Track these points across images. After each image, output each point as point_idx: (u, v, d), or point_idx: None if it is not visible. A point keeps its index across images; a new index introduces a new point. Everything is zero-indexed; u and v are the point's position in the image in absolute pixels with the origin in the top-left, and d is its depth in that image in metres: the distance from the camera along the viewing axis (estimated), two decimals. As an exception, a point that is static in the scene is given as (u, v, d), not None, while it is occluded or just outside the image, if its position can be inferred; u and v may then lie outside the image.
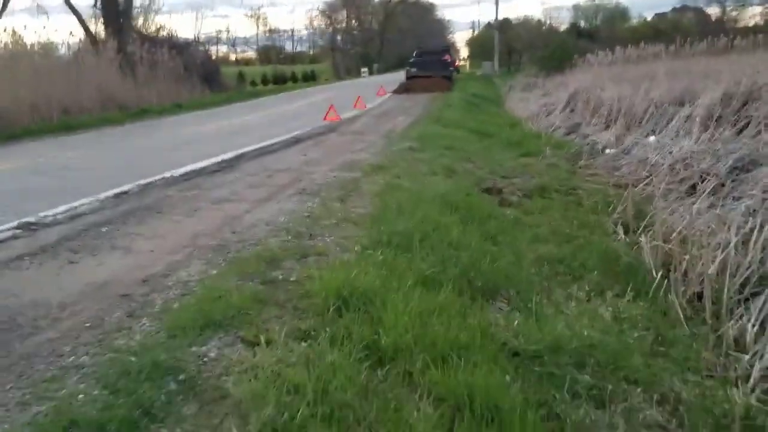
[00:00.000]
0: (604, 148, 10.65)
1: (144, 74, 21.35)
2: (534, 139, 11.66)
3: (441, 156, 8.31)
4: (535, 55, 37.66)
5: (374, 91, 22.53)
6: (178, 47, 24.54)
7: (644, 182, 7.53)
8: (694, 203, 6.28)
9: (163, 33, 27.53)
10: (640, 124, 11.23)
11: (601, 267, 4.36)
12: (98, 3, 24.29)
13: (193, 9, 66.72)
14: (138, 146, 10.10)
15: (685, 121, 9.96)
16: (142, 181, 6.07)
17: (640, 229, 5.51)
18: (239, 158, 7.91)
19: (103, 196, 5.44)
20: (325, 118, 13.02)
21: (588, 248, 4.74)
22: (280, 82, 38.28)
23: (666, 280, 4.18)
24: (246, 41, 71.83)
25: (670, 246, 4.63)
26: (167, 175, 6.47)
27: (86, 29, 24.66)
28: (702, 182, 7.20)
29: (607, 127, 12.59)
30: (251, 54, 70.82)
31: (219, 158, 7.75)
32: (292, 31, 71.42)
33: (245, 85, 33.35)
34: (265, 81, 37.52)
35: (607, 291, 4.02)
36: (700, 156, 7.73)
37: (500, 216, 5.50)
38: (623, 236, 5.33)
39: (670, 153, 8.61)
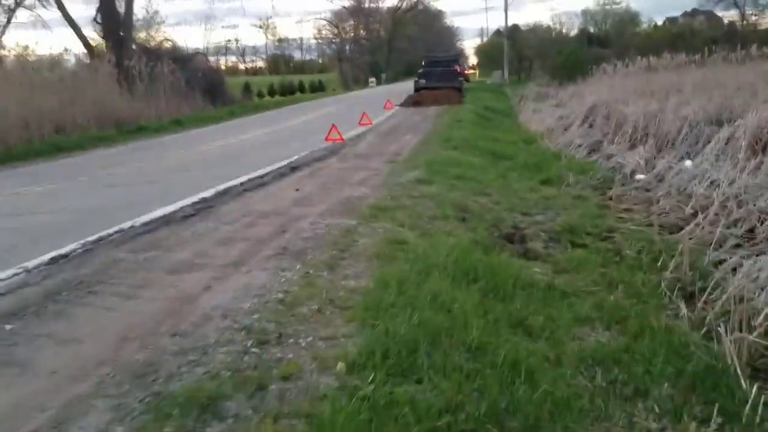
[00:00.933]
0: (633, 172, 9.48)
1: (143, 89, 20.42)
2: (554, 161, 10.51)
3: (452, 189, 7.18)
4: (546, 64, 36.46)
5: (382, 103, 21.47)
6: (180, 60, 23.61)
7: (691, 222, 6.37)
8: (758, 255, 5.16)
9: (167, 45, 26.68)
10: (672, 145, 10.04)
11: (670, 371, 3.22)
12: (98, 16, 23.44)
13: (202, 20, 66.06)
14: (116, 178, 9.05)
15: (726, 144, 8.78)
16: (91, 238, 4.98)
17: (704, 296, 4.38)
18: (222, 195, 6.83)
19: (34, 263, 4.36)
20: (326, 139, 11.95)
21: (648, 337, 3.60)
22: (287, 92, 37.33)
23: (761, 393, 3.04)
24: (255, 51, 71.25)
25: (754, 338, 3.49)
26: (126, 226, 5.40)
27: (85, 42, 23.82)
28: (761, 224, 6.04)
29: (633, 146, 11.41)
30: (261, 63, 70.19)
31: (198, 197, 6.67)
32: (301, 40, 70.65)
33: (251, 97, 32.42)
34: (272, 92, 36.58)
35: (685, 415, 2.89)
36: (755, 191, 6.56)
37: (528, 282, 4.36)
38: (685, 310, 4.18)
39: (713, 183, 7.45)
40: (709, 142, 9.45)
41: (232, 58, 69.95)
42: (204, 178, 8.10)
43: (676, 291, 4.50)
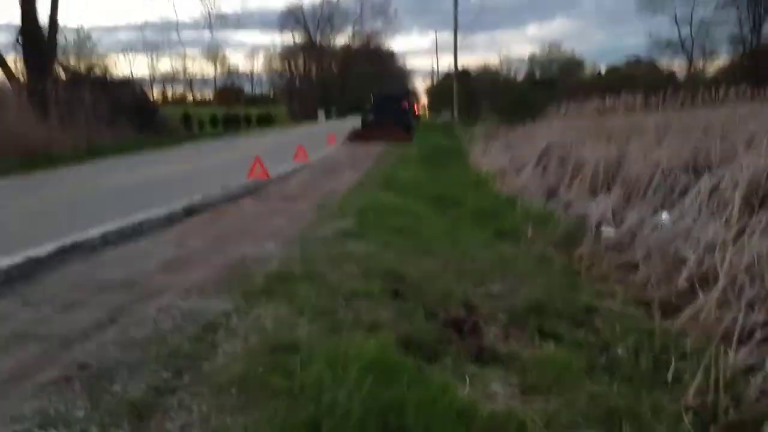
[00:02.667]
0: (599, 224, 8.03)
1: (58, 115, 18.21)
2: (508, 208, 9.01)
3: (387, 247, 5.50)
4: (495, 104, 35.84)
5: (328, 137, 19.88)
6: (106, 86, 21.49)
7: (689, 299, 4.86)
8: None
9: (97, 71, 24.49)
10: (643, 194, 8.67)
11: None
12: (19, 38, 21.19)
13: (150, 49, 63.76)
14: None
15: (709, 197, 7.43)
16: None
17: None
18: (60, 255, 4.90)
19: None
20: (249, 175, 10.15)
21: None
22: (232, 124, 35.34)
23: None
24: (204, 81, 69.16)
25: None
26: None
27: (3, 66, 21.45)
28: (785, 306, 4.57)
29: (593, 192, 10.04)
30: (209, 95, 68.06)
31: (22, 256, 4.72)
32: (251, 72, 68.83)
33: (191, 128, 30.36)
34: (214, 123, 34.54)
35: None
36: None
37: (486, 426, 2.66)
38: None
39: (707, 246, 6.01)
40: (686, 192, 8.13)
41: (180, 89, 67.72)
42: (63, 224, 6.18)
43: (712, 434, 2.88)
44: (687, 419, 2.99)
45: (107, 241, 5.36)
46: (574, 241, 7.22)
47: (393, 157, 14.58)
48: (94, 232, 5.62)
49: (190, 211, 6.95)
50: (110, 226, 5.85)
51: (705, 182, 7.77)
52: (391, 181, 9.90)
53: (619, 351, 3.90)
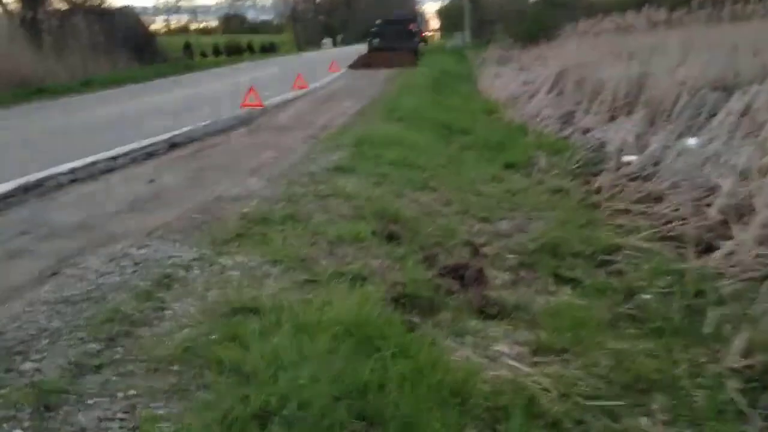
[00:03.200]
0: (620, 152, 7.35)
1: (53, 46, 17.41)
2: (520, 137, 8.33)
3: (382, 182, 4.92)
4: (509, 26, 34.08)
5: (329, 65, 18.93)
6: (102, 16, 20.45)
7: (723, 234, 4.28)
8: None
9: (93, 1, 23.27)
10: (667, 117, 7.92)
11: None
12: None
13: (152, -24, 61.33)
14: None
15: (741, 118, 6.69)
16: None
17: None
18: (18, 195, 4.39)
19: None
20: (242, 105, 9.47)
21: None
22: (234, 53, 34.07)
23: None
24: (208, 10, 66.79)
25: None
26: None
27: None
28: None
29: (613, 118, 9.27)
30: (213, 23, 65.88)
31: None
32: (255, 0, 66.04)
33: (193, 57, 29.29)
34: (217, 52, 33.32)
35: None
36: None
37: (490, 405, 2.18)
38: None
39: (741, 174, 5.36)
40: (715, 113, 7.38)
41: (184, 18, 65.55)
42: (34, 159, 5.64)
43: None
44: (731, 386, 2.48)
45: (75, 178, 4.83)
46: (592, 170, 6.60)
47: (398, 84, 13.73)
48: (63, 168, 5.09)
49: (172, 144, 6.37)
50: (81, 161, 5.30)
51: (736, 102, 7.02)
52: (394, 109, 9.18)
53: (646, 297, 3.37)
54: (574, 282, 3.65)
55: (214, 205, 3.97)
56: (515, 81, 15.28)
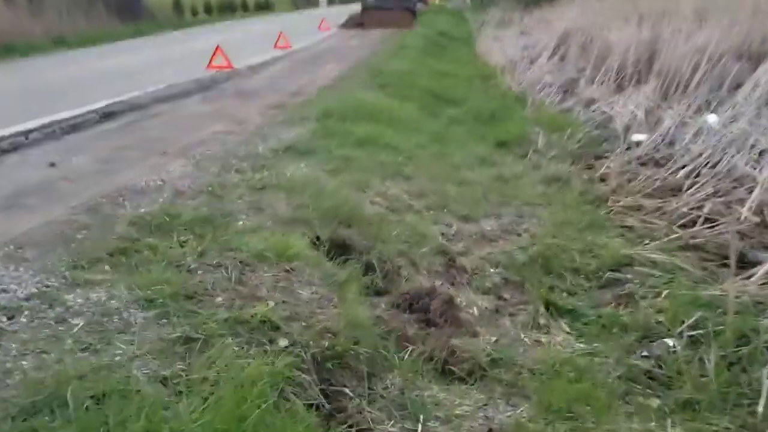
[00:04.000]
0: (628, 129, 6.38)
1: (28, 1, 16.19)
2: (516, 109, 7.35)
3: (342, 168, 3.99)
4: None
5: (320, 24, 17.72)
6: (78, -35, 19.06)
7: (764, 245, 3.39)
8: None
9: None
10: (684, 89, 6.92)
11: None
12: None
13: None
14: None
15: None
16: None
17: None
18: None
19: None
20: (209, 67, 8.44)
21: None
22: (226, 11, 32.49)
23: None
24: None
25: None
26: None
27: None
28: None
29: (620, 88, 8.27)
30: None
31: None
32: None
33: (183, 15, 27.83)
34: (209, 10, 31.75)
35: None
36: None
37: None
38: None
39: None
40: (739, 85, 6.40)
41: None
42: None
43: None
44: None
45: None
46: (597, 153, 5.65)
47: (390, 46, 12.60)
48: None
49: (108, 114, 5.40)
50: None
51: (765, 72, 6.05)
52: (380, 74, 8.15)
53: (669, 344, 2.49)
54: (572, 314, 2.77)
55: (109, 202, 3.06)
56: (515, 45, 14.14)
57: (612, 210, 4.05)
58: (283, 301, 2.25)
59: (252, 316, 2.05)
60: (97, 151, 4.18)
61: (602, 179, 4.84)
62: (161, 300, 2.08)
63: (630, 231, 3.69)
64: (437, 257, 3.24)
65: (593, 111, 7.32)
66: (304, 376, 1.91)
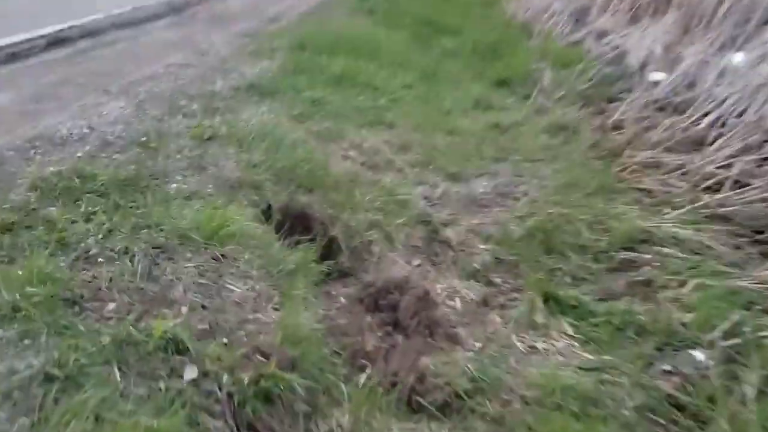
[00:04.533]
0: (644, 66, 5.67)
1: None
2: (520, 40, 6.60)
3: (310, 113, 3.36)
4: None
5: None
6: None
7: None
8: None
9: None
10: (707, 22, 6.12)
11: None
12: None
13: None
14: None
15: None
16: None
17: None
18: None
19: None
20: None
21: None
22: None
23: None
24: None
25: None
26: None
27: None
28: None
29: (635, 18, 7.42)
30: None
31: None
32: None
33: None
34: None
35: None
36: None
37: None
38: None
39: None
40: (773, 21, 5.62)
41: None
42: None
43: None
44: None
45: None
46: (609, 95, 4.98)
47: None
48: None
49: (56, 41, 4.67)
50: None
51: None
52: (370, -2, 7.29)
53: (698, 358, 1.97)
54: (576, 309, 2.24)
55: (17, 156, 2.46)
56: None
57: (626, 167, 3.45)
58: (203, 306, 1.71)
59: (149, 335, 1.51)
60: (29, 87, 3.52)
61: (615, 128, 4.21)
62: (30, 310, 1.53)
63: (647, 195, 3.12)
64: (418, 228, 2.68)
65: (606, 44, 6.56)
66: (214, 423, 1.39)
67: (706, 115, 4.28)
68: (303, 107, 3.38)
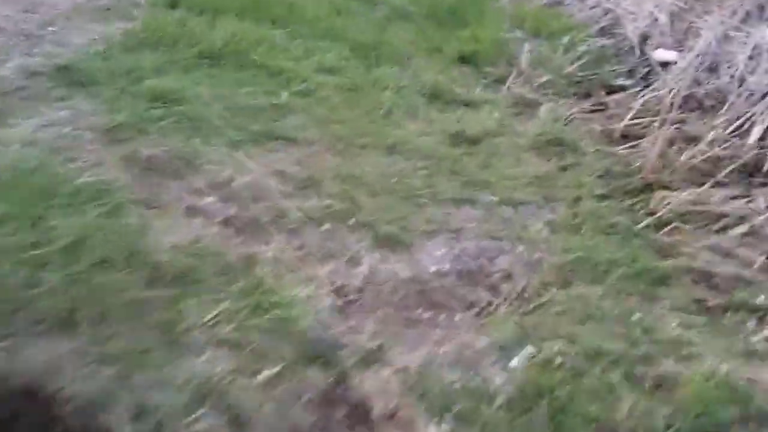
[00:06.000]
0: (645, 39, 4.38)
1: None
2: (487, 0, 5.13)
3: (148, 115, 1.92)
4: None
5: None
6: None
7: None
8: None
9: None
10: (725, -14, 4.83)
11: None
12: None
13: None
14: None
15: None
16: None
17: None
18: None
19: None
20: None
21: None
22: None
23: None
24: None
25: None
26: None
27: None
28: None
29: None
30: None
31: None
32: None
33: None
34: None
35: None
36: None
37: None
38: None
39: None
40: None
41: None
42: None
43: None
44: None
45: None
46: (608, 81, 3.67)
47: None
48: None
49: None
50: None
51: None
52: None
53: None
54: None
55: None
56: None
57: (657, 217, 2.16)
58: None
59: None
60: None
61: (624, 136, 2.91)
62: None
63: (705, 284, 1.84)
64: (304, 380, 1.36)
65: (594, 7, 5.20)
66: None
67: (748, 117, 3.03)
68: (135, 109, 1.96)
